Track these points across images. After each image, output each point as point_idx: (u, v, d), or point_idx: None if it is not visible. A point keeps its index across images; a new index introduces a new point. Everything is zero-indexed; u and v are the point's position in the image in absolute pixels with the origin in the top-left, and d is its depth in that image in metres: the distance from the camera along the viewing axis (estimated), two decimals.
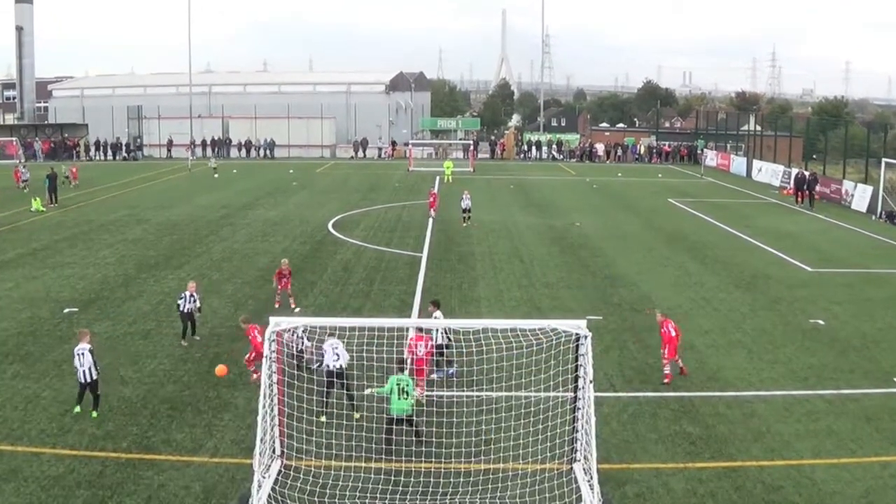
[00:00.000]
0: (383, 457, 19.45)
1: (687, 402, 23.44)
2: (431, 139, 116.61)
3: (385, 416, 20.05)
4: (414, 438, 19.73)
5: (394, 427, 19.79)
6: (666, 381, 24.80)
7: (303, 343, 24.05)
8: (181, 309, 27.93)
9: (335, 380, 22.10)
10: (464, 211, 52.24)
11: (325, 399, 21.84)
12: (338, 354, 22.12)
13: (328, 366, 22.18)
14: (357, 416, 21.90)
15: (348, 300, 33.64)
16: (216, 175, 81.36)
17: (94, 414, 21.93)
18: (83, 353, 22.04)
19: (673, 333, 25.17)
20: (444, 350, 24.95)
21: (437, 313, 25.71)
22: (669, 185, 78.75)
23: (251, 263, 40.49)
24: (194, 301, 28.06)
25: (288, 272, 32.17)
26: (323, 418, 21.29)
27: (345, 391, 22.22)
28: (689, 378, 25.26)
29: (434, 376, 24.13)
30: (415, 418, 20.03)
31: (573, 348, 18.98)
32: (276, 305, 32.06)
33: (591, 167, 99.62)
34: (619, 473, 19.07)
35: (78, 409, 22.14)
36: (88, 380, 22.04)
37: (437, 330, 24.78)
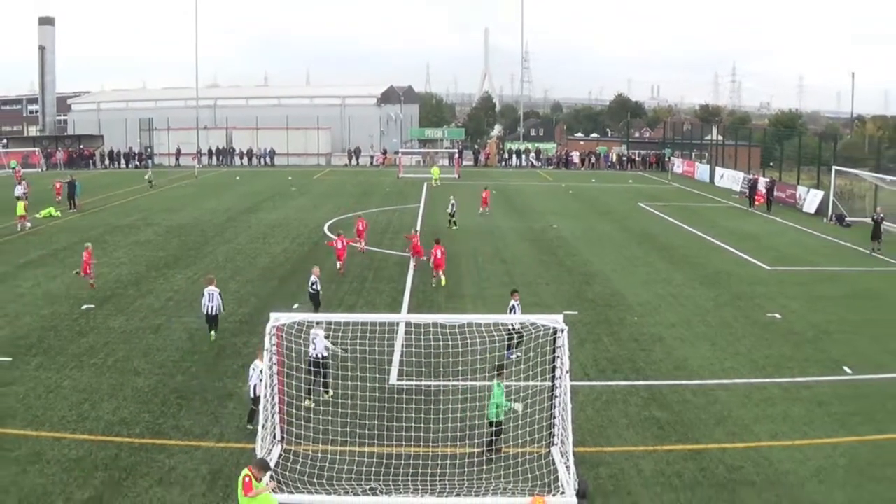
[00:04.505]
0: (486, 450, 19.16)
1: (655, 390, 23.51)
2: (419, 148, 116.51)
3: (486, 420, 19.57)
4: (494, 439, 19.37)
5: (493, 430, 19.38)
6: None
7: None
8: (316, 291, 30.13)
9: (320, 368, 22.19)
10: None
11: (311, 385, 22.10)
12: (315, 344, 22.06)
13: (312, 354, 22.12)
14: (328, 395, 22.20)
15: (342, 297, 33.60)
16: (151, 188, 75.20)
17: (213, 336, 27.41)
18: (213, 294, 27.27)
19: (439, 255, 35.92)
20: (516, 336, 25.00)
21: (517, 301, 25.88)
22: (639, 190, 78.87)
23: (253, 263, 40.42)
24: (319, 283, 30.42)
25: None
26: (307, 402, 21.52)
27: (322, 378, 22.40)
28: (657, 367, 25.39)
29: (511, 357, 24.33)
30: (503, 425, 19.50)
31: (551, 341, 19.03)
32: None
33: (567, 174, 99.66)
34: (593, 456, 19.13)
35: (213, 334, 27.45)
36: (215, 313, 27.37)
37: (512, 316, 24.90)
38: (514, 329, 24.91)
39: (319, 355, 22.13)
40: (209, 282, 27.97)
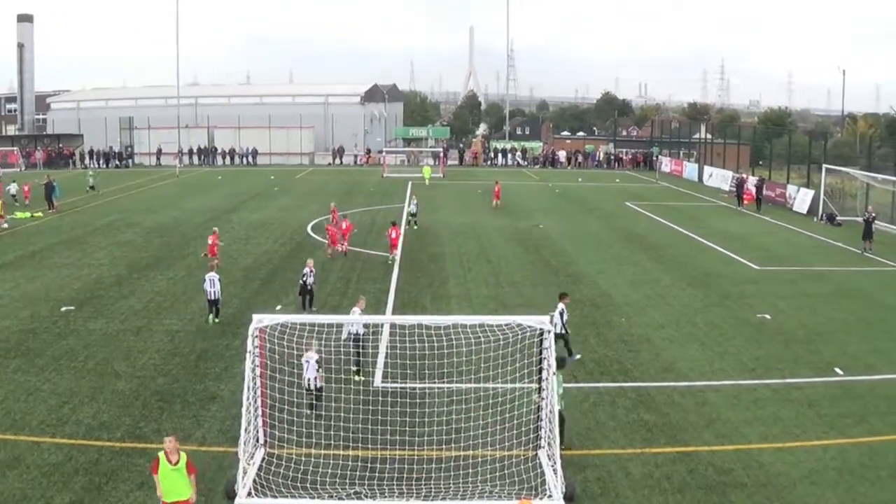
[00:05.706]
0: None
1: (643, 392, 23.53)
2: (404, 147, 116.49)
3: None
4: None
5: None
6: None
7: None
8: (305, 283, 30.93)
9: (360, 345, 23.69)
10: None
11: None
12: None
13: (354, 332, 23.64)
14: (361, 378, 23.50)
15: (326, 298, 33.48)
16: (90, 190, 71.76)
17: (217, 320, 29.60)
18: (214, 280, 29.83)
19: (394, 235, 40.39)
20: (567, 340, 25.96)
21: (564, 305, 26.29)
22: (627, 190, 79.01)
23: (235, 264, 40.27)
24: (313, 276, 31.25)
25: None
26: (357, 378, 23.15)
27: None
28: (645, 369, 25.42)
29: (577, 357, 25.60)
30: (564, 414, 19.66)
31: (537, 342, 19.01)
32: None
33: (554, 173, 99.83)
34: (580, 459, 19.11)
35: (212, 318, 29.71)
36: (216, 297, 29.82)
37: (557, 321, 25.38)
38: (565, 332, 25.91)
39: (359, 332, 23.65)
40: (211, 268, 30.92)
